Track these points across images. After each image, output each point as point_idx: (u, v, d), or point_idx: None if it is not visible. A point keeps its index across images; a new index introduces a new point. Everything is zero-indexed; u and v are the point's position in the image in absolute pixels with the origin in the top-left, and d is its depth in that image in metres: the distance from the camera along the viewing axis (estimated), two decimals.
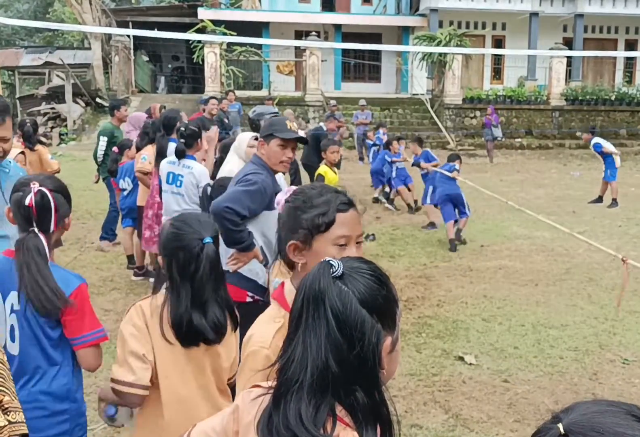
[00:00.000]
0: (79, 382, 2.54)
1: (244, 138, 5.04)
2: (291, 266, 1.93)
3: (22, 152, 6.19)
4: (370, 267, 1.39)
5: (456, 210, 9.41)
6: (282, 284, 1.91)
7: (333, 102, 19.64)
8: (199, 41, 21.85)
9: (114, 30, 21.35)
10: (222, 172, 5.00)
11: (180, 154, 5.67)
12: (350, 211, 1.88)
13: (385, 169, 12.31)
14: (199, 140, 5.83)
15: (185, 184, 5.64)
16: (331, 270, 1.34)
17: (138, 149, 7.11)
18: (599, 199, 12.91)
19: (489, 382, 4.89)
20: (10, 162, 3.23)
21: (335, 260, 1.36)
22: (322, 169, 7.68)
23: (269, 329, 1.79)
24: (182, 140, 5.69)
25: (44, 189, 2.36)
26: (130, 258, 7.70)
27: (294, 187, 1.99)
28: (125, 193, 7.50)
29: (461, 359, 5.29)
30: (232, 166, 4.85)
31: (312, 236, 1.82)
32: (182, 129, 5.74)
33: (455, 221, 9.34)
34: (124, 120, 9.04)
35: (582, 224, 10.76)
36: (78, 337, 2.38)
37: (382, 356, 1.34)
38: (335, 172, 7.73)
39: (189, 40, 22.26)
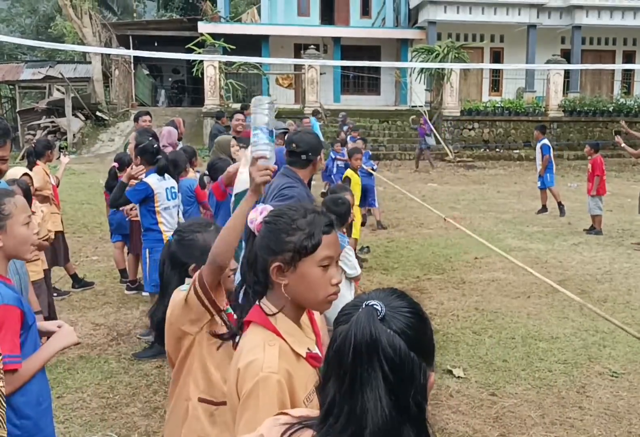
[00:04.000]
0: (28, 400, 2.45)
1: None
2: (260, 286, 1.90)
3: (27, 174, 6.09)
4: (409, 304, 1.34)
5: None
6: (256, 306, 1.87)
7: (343, 113, 20.13)
8: (199, 54, 21.98)
9: (111, 51, 21.53)
10: (239, 182, 4.99)
11: (165, 170, 5.71)
12: (333, 232, 1.89)
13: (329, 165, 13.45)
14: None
15: (178, 194, 5.77)
16: (377, 314, 1.28)
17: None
18: (544, 209, 13.08)
19: (476, 395, 4.89)
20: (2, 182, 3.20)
21: (377, 302, 1.30)
22: (349, 172, 9.05)
23: (270, 353, 1.74)
24: (159, 156, 5.70)
25: None
26: (122, 272, 7.74)
27: (268, 207, 1.94)
28: None
29: (449, 372, 5.29)
30: (246, 176, 4.88)
31: (299, 258, 1.81)
32: (154, 146, 5.72)
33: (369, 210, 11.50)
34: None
35: (577, 235, 10.78)
36: None
37: (428, 394, 1.31)
38: (358, 175, 9.15)
39: (189, 53, 22.36)
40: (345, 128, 18.07)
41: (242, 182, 4.80)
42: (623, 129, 11.07)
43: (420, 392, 1.27)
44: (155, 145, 5.73)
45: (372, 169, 11.28)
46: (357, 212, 7.60)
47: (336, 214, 4.53)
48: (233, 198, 4.83)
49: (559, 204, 12.75)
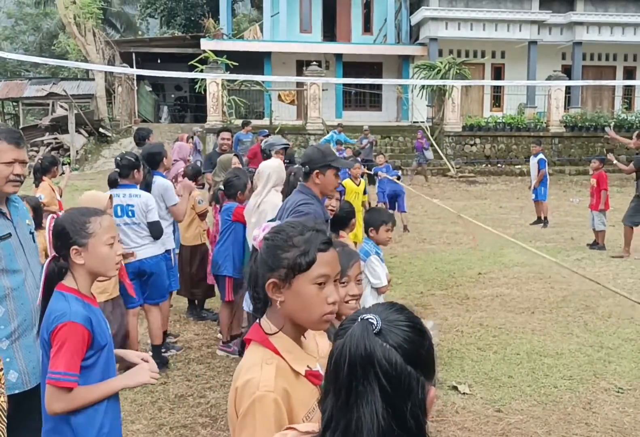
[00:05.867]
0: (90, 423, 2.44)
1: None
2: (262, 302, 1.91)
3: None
4: (407, 318, 1.34)
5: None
6: (256, 324, 1.87)
7: (366, 126, 20.69)
8: (202, 71, 22.11)
9: (114, 69, 21.62)
10: (265, 210, 4.99)
11: (112, 183, 5.57)
12: (330, 250, 1.87)
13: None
14: (135, 170, 5.72)
15: (137, 213, 5.55)
16: (372, 328, 1.29)
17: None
18: (539, 220, 13.56)
19: (482, 412, 4.87)
20: (17, 197, 3.20)
21: (373, 316, 1.31)
22: (345, 181, 9.22)
23: (267, 371, 1.73)
24: (117, 169, 5.57)
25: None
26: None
27: (272, 223, 1.95)
28: None
29: (455, 388, 5.27)
30: (275, 201, 4.92)
31: (294, 275, 1.81)
32: (118, 158, 5.61)
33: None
34: None
35: (580, 250, 10.78)
36: (49, 371, 2.35)
37: (428, 408, 1.30)
38: (357, 184, 9.48)
39: (192, 70, 22.52)
40: (364, 141, 19.47)
41: (269, 211, 4.88)
42: (609, 135, 11.11)
43: (419, 406, 1.27)
44: (119, 158, 5.62)
45: (398, 177, 12.34)
46: (358, 219, 7.56)
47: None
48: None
49: (545, 218, 13.35)
